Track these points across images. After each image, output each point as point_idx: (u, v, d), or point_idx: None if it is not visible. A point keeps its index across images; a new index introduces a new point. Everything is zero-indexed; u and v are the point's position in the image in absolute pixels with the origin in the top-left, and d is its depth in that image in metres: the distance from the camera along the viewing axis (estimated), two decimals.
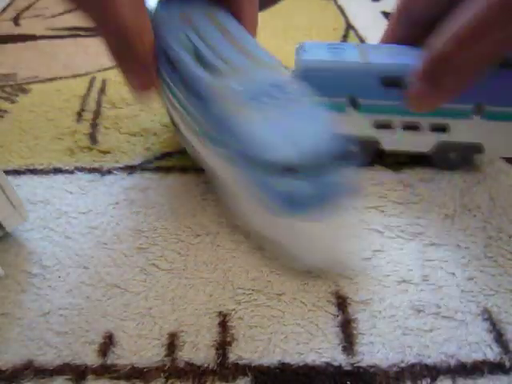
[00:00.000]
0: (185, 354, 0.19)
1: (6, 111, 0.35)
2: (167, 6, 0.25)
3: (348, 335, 0.20)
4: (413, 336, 0.20)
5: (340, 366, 0.19)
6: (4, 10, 0.56)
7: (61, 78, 0.39)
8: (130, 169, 0.29)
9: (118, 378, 0.18)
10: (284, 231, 0.21)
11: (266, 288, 0.22)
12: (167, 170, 0.29)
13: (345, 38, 0.45)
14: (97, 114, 0.33)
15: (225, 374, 0.18)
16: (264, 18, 0.47)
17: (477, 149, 0.27)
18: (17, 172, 0.29)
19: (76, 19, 0.52)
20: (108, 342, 0.19)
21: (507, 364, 0.19)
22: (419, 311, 0.21)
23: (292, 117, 0.20)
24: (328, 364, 0.19)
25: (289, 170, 0.19)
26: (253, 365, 0.19)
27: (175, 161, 0.30)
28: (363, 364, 0.19)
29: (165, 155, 0.30)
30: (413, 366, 0.19)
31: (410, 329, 0.20)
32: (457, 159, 0.27)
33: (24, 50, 0.45)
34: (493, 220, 0.25)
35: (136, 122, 0.32)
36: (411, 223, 0.25)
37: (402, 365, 0.19)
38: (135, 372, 0.18)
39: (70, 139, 0.31)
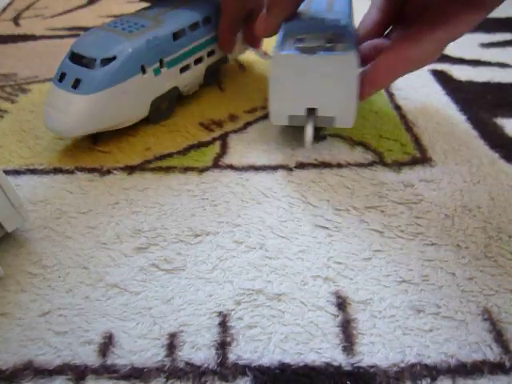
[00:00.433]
0: (185, 354, 0.19)
1: (6, 111, 0.35)
2: None
3: (348, 335, 0.20)
4: (413, 336, 0.20)
5: (340, 366, 0.19)
6: (4, 9, 0.56)
7: None
8: (130, 169, 0.29)
9: (117, 378, 0.18)
10: None
11: (266, 288, 0.22)
12: (167, 169, 0.29)
13: None
14: None
15: (225, 374, 0.18)
16: None
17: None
18: (17, 172, 0.29)
19: (76, 19, 0.53)
20: (108, 342, 0.19)
21: (507, 364, 0.19)
22: (419, 311, 0.21)
23: None
24: (328, 364, 0.19)
25: None
26: (253, 365, 0.19)
27: (175, 161, 0.30)
28: (363, 364, 0.19)
29: (165, 155, 0.30)
30: (413, 366, 0.19)
31: (409, 329, 0.20)
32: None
33: (24, 50, 0.45)
34: (493, 220, 0.25)
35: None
36: (411, 223, 0.25)
37: (402, 365, 0.19)
38: (135, 372, 0.18)
39: (70, 139, 0.31)
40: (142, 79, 0.30)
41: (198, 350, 0.19)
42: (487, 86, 0.38)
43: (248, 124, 0.33)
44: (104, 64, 0.28)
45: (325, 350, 0.19)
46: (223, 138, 0.32)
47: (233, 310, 0.21)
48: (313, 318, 0.20)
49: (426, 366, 0.18)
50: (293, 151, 0.30)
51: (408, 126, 0.33)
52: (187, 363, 0.19)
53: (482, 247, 0.23)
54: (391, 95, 0.37)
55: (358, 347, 0.19)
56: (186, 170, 0.29)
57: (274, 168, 0.29)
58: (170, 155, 0.30)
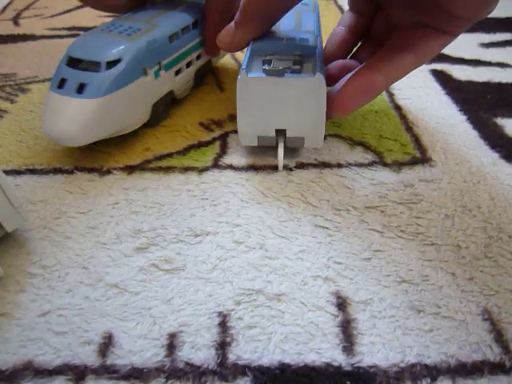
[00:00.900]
0: (185, 354, 0.19)
1: (6, 111, 0.35)
2: None
3: (348, 335, 0.20)
4: (413, 336, 0.20)
5: (340, 366, 0.18)
6: (4, 9, 0.56)
7: None
8: (130, 169, 0.29)
9: (117, 378, 0.18)
10: None
11: (265, 288, 0.22)
12: (167, 169, 0.29)
13: None
14: None
15: (225, 374, 0.18)
16: None
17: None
18: (16, 172, 0.29)
19: (76, 19, 0.53)
20: (107, 342, 0.19)
21: (507, 364, 0.18)
22: (419, 311, 0.20)
23: None
24: (328, 364, 0.19)
25: None
26: (253, 365, 0.19)
27: (175, 161, 0.30)
28: (363, 364, 0.19)
29: (165, 155, 0.30)
30: (413, 365, 0.19)
31: (410, 329, 0.20)
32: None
33: (24, 50, 0.45)
34: (493, 220, 0.25)
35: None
36: (411, 223, 0.25)
37: (402, 365, 0.19)
38: (135, 372, 0.18)
39: None
40: (144, 82, 0.29)
41: (198, 350, 0.19)
42: (487, 86, 0.38)
43: None
44: (109, 67, 0.27)
45: (325, 350, 0.19)
46: (223, 138, 0.32)
47: (233, 310, 0.21)
48: (313, 318, 0.20)
49: (426, 366, 0.18)
50: (292, 151, 0.30)
51: (408, 126, 0.33)
52: (187, 363, 0.19)
53: (482, 247, 0.23)
54: (391, 95, 0.37)
55: (357, 347, 0.19)
56: (186, 169, 0.29)
57: (274, 168, 0.29)
58: (169, 155, 0.30)
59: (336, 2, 0.57)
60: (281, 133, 0.28)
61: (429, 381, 0.18)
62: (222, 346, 0.19)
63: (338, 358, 0.19)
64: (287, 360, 0.19)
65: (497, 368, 0.18)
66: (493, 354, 0.19)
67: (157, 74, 0.30)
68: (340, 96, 0.26)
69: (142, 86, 0.29)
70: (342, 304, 0.21)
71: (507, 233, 0.24)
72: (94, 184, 0.28)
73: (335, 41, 0.32)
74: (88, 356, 0.19)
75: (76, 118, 0.26)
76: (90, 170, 0.29)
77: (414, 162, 0.29)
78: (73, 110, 0.26)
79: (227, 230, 0.25)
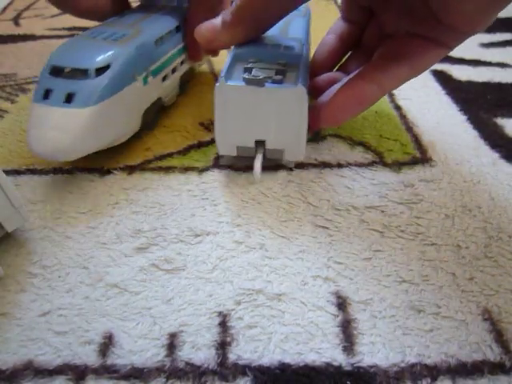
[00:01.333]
0: (185, 354, 0.19)
1: (6, 111, 0.35)
2: None
3: (348, 335, 0.20)
4: (413, 336, 0.20)
5: (340, 366, 0.19)
6: (4, 9, 0.56)
7: None
8: (130, 169, 0.29)
9: (117, 378, 0.18)
10: None
11: (265, 288, 0.22)
12: (167, 169, 0.29)
13: None
14: None
15: (225, 374, 0.18)
16: None
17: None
18: (17, 172, 0.29)
19: (76, 19, 0.52)
20: (108, 342, 0.19)
21: (507, 364, 0.18)
22: (419, 311, 0.21)
23: None
24: (328, 364, 0.19)
25: None
26: (253, 365, 0.19)
27: (175, 161, 0.30)
28: (363, 364, 0.19)
29: (165, 155, 0.30)
30: (413, 365, 0.19)
31: (410, 329, 0.20)
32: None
33: (24, 50, 0.45)
34: (493, 220, 0.25)
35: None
36: (411, 223, 0.25)
37: (402, 365, 0.19)
38: (135, 372, 0.18)
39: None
40: (135, 89, 0.28)
41: (198, 350, 0.19)
42: (487, 86, 0.38)
43: None
44: (99, 73, 0.25)
45: (325, 350, 0.19)
46: None
47: (233, 309, 0.21)
48: (313, 318, 0.20)
49: (426, 366, 0.18)
50: None
51: (408, 126, 0.33)
52: (187, 363, 0.19)
53: (482, 247, 0.23)
54: (391, 95, 0.37)
55: (358, 347, 0.19)
56: (186, 169, 0.29)
57: (274, 168, 0.29)
58: (169, 155, 0.30)
59: (336, 2, 0.57)
60: (260, 144, 0.26)
61: (429, 381, 0.18)
62: (222, 346, 0.19)
63: (338, 357, 0.19)
64: (287, 360, 0.19)
65: (497, 368, 0.18)
66: (493, 353, 0.19)
67: (145, 81, 0.29)
68: (330, 106, 0.25)
69: (133, 93, 0.28)
70: (342, 304, 0.21)
71: (507, 233, 0.24)
72: (95, 184, 0.28)
73: (325, 49, 0.31)
74: (88, 356, 0.19)
75: (67, 129, 0.24)
76: (91, 170, 0.29)
77: (414, 162, 0.29)
78: (63, 120, 0.25)
79: (227, 229, 0.25)
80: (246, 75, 0.24)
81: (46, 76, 0.26)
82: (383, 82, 0.25)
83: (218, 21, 0.27)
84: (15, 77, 0.40)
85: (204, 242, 0.24)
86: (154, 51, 0.30)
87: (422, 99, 0.36)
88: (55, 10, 0.55)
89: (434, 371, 0.18)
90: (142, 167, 0.29)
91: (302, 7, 0.36)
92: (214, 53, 0.36)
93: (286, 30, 0.31)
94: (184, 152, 0.30)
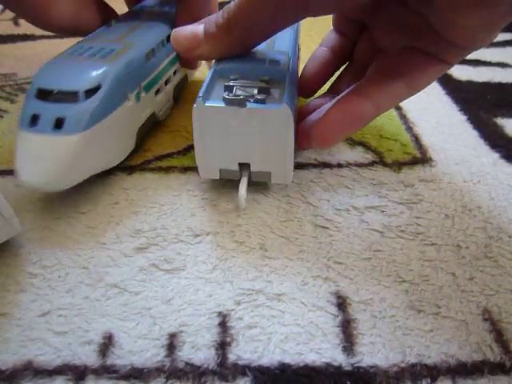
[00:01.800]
0: (184, 355, 0.19)
1: (6, 111, 0.35)
2: None
3: (348, 335, 0.20)
4: (413, 336, 0.20)
5: (340, 366, 0.18)
6: (4, 9, 0.56)
7: None
8: (130, 169, 0.29)
9: (117, 378, 0.18)
10: None
11: (266, 288, 0.22)
12: (167, 170, 0.29)
13: None
14: None
15: (225, 374, 0.18)
16: None
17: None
18: None
19: None
20: (107, 342, 0.19)
21: (507, 364, 0.18)
22: (419, 311, 0.20)
23: None
24: (328, 364, 0.19)
25: None
26: (253, 365, 0.19)
27: (175, 161, 0.30)
28: (363, 364, 0.19)
29: (165, 155, 0.30)
30: (413, 365, 0.19)
31: (410, 329, 0.20)
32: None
33: (24, 50, 0.45)
34: (493, 220, 0.25)
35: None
36: (411, 223, 0.25)
37: (402, 365, 0.19)
38: (135, 372, 0.18)
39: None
40: (127, 108, 0.26)
41: (198, 350, 0.19)
42: (487, 86, 0.38)
43: None
44: (88, 95, 0.24)
45: (325, 350, 0.19)
46: None
47: (233, 310, 0.21)
48: (313, 318, 0.20)
49: (426, 366, 0.18)
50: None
51: (408, 126, 0.33)
52: (187, 363, 0.19)
53: (482, 247, 0.23)
54: None
55: (358, 347, 0.19)
56: (186, 169, 0.29)
57: None
58: (169, 155, 0.30)
59: None
60: (244, 166, 0.25)
61: (429, 381, 0.18)
62: (222, 346, 0.19)
63: (338, 357, 0.19)
64: (287, 360, 0.19)
65: (497, 368, 0.18)
66: (493, 354, 0.19)
67: (138, 98, 0.27)
68: (321, 125, 0.23)
69: (126, 113, 0.26)
70: (342, 304, 0.21)
71: (507, 233, 0.24)
72: (94, 184, 0.28)
73: (316, 62, 0.29)
74: (88, 356, 0.19)
75: (58, 159, 0.23)
76: None
77: (414, 161, 0.29)
78: (53, 149, 0.23)
79: (227, 230, 0.25)
80: (227, 94, 0.23)
81: (31, 100, 0.24)
82: (378, 99, 0.23)
83: (199, 29, 0.24)
84: (15, 77, 0.40)
85: (204, 242, 0.24)
86: (146, 65, 0.28)
87: (422, 99, 0.36)
88: None
89: (434, 371, 0.18)
90: (142, 167, 0.29)
91: None
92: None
93: (273, 43, 0.28)
94: (184, 152, 0.30)
